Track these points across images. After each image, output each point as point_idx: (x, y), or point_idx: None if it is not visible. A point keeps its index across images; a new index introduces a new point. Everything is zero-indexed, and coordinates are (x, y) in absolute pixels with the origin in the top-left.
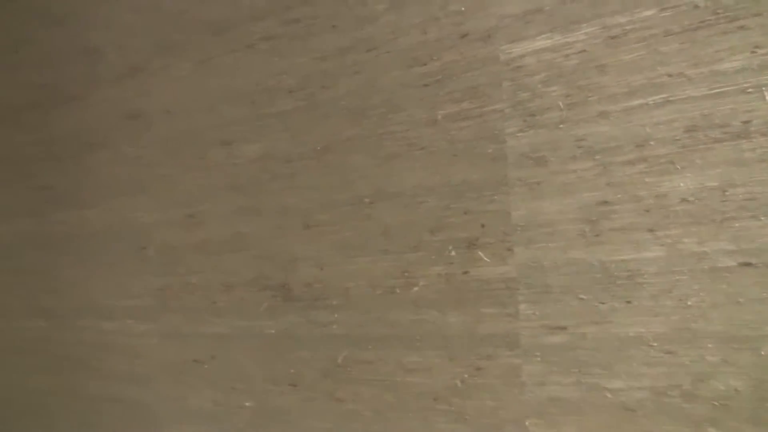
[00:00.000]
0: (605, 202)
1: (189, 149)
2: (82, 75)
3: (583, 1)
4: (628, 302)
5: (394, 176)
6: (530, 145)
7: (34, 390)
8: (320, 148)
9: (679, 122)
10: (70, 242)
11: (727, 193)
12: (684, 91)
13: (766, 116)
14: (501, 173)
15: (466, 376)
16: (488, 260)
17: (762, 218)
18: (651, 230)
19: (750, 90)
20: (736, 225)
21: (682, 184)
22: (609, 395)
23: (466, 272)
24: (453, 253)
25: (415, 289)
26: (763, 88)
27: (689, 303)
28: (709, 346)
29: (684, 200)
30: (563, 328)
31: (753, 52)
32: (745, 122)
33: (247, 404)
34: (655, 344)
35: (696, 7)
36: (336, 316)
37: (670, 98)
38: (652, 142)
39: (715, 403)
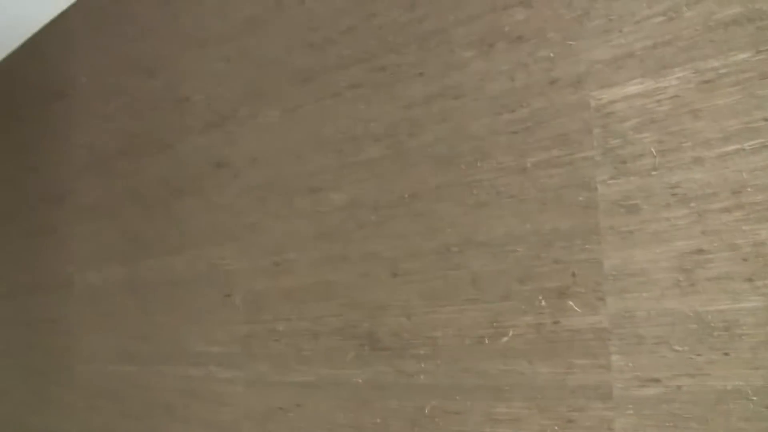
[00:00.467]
0: (700, 251)
1: (276, 197)
2: (171, 123)
3: (674, 45)
4: (726, 354)
5: (482, 224)
6: (622, 193)
7: None
8: (407, 196)
9: None
10: (158, 288)
11: None
12: None
13: None
14: (592, 221)
15: (556, 428)
16: (579, 310)
17: None
18: (749, 279)
19: None
20: None
21: None
22: None
23: (556, 322)
24: (543, 302)
25: (505, 339)
26: None
27: None
28: None
29: None
30: (657, 381)
31: None
32: None
33: None
34: (755, 398)
35: None
36: (423, 365)
37: (767, 143)
38: (749, 189)
39: None
